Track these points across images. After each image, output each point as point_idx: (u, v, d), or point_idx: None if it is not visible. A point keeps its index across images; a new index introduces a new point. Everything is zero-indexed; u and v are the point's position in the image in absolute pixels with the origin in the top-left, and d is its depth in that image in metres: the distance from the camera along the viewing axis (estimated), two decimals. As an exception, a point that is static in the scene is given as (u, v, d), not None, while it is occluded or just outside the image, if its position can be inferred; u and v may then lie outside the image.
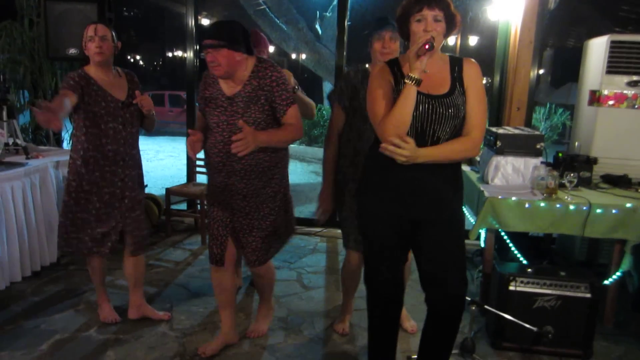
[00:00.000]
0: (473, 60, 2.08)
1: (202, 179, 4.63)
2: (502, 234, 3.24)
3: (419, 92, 1.96)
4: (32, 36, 4.24)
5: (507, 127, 3.53)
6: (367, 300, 2.30)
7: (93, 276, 3.00)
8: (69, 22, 3.73)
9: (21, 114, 4.30)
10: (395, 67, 2.07)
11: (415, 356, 2.39)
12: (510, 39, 4.14)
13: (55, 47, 3.84)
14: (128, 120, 2.80)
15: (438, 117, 1.98)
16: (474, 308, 2.71)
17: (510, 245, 3.29)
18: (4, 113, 3.58)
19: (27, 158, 3.45)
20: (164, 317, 3.06)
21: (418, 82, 1.92)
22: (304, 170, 9.08)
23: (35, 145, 4.08)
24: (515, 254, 3.26)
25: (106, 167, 2.77)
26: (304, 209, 6.01)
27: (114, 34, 2.77)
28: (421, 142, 1.99)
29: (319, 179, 8.34)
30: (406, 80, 1.91)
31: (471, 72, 2.05)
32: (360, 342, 2.89)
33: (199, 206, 4.64)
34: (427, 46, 1.87)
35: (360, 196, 2.22)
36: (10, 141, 3.62)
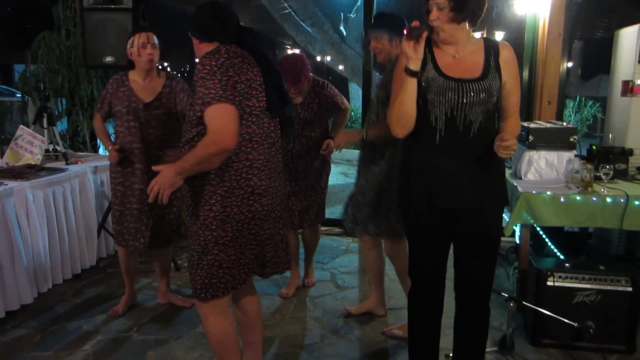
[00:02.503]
0: (507, 44, 2.06)
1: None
2: (537, 229, 3.20)
3: (447, 77, 1.97)
4: (69, 46, 4.37)
5: (539, 122, 3.49)
6: (408, 295, 2.28)
7: (121, 267, 3.17)
8: (105, 31, 3.83)
9: (59, 121, 4.42)
10: (426, 49, 2.02)
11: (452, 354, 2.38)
12: (539, 32, 4.09)
13: (92, 55, 3.96)
14: (148, 121, 2.92)
15: (469, 102, 1.96)
16: (511, 305, 2.69)
17: (546, 240, 3.25)
18: (45, 120, 3.70)
19: (67, 164, 3.56)
20: (186, 303, 3.24)
21: (413, 73, 1.93)
22: (333, 172, 9.06)
23: (73, 151, 4.20)
24: (552, 249, 3.22)
25: (135, 164, 2.95)
26: (335, 210, 6.02)
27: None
28: (452, 128, 1.99)
29: (348, 180, 8.37)
30: (403, 72, 1.94)
31: (508, 56, 2.04)
32: (399, 342, 2.88)
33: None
34: (404, 31, 1.93)
35: (401, 192, 2.21)
36: (51, 147, 3.73)
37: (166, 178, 1.95)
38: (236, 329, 2.24)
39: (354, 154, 9.78)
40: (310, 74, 3.21)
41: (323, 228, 4.80)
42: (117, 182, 2.99)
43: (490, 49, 2.03)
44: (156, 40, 2.94)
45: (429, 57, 2.02)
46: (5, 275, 2.86)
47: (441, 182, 2.03)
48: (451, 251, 2.19)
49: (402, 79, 1.97)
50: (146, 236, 2.98)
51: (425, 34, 1.92)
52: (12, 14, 19.27)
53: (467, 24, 1.98)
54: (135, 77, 2.96)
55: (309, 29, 9.67)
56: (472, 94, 1.96)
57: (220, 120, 1.88)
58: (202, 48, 2.04)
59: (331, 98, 3.28)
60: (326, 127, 3.38)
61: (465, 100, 1.96)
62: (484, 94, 1.97)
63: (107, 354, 2.72)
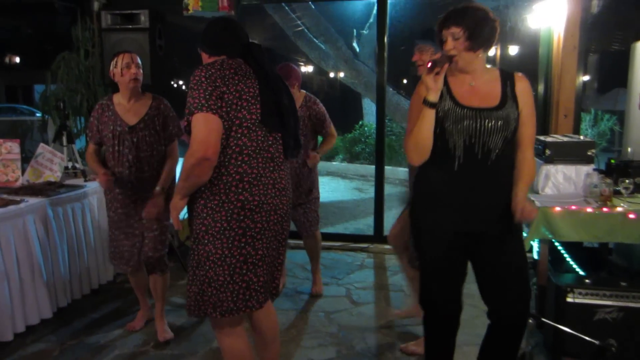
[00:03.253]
0: (522, 75, 2.10)
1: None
2: (556, 244, 3.16)
3: (464, 107, 2.00)
4: (88, 65, 4.45)
5: (555, 135, 3.47)
6: (423, 319, 2.27)
7: (131, 284, 3.19)
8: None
9: (78, 139, 4.49)
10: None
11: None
12: (554, 45, 4.09)
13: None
14: (135, 144, 2.87)
15: (487, 130, 1.98)
16: (530, 321, 2.64)
17: (565, 256, 3.20)
18: (64, 138, 3.76)
19: (85, 180, 3.62)
20: (161, 337, 3.02)
21: (432, 104, 1.98)
22: (346, 187, 9.11)
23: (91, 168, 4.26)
24: (571, 265, 3.17)
25: (117, 188, 2.91)
26: (349, 226, 6.02)
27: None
28: (471, 156, 2.00)
29: (362, 195, 8.36)
30: (422, 103, 1.99)
31: (525, 88, 2.06)
32: (414, 357, 2.86)
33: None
34: (429, 64, 1.96)
35: (413, 213, 2.22)
36: (70, 165, 3.80)
37: (172, 206, 2.04)
38: (252, 347, 2.21)
39: (368, 169, 9.80)
40: (303, 90, 3.49)
41: (337, 243, 4.83)
42: (107, 206, 3.01)
43: (507, 79, 2.06)
44: (139, 61, 2.93)
45: (445, 87, 2.04)
46: (25, 289, 2.90)
47: (459, 207, 2.05)
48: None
49: (420, 108, 2.01)
50: (134, 259, 2.98)
51: (446, 67, 1.97)
52: (33, 36, 19.73)
53: (483, 53, 2.02)
54: (119, 99, 2.93)
55: (322, 46, 9.74)
56: (491, 123, 1.98)
57: (200, 129, 1.88)
58: (207, 61, 2.07)
59: (321, 115, 3.50)
60: (316, 142, 3.59)
61: (483, 129, 1.98)
62: (502, 121, 1.99)
63: (124, 370, 2.73)
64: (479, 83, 2.04)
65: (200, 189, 1.97)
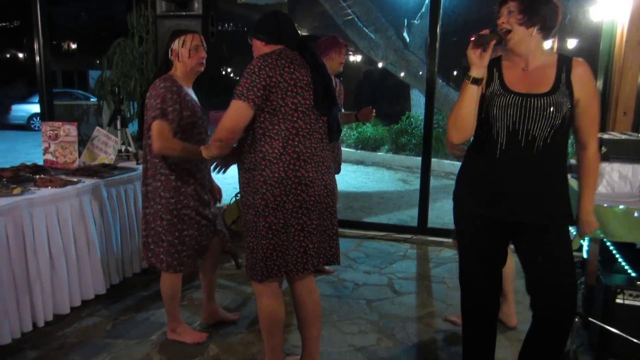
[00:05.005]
0: (582, 60, 1.99)
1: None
2: (607, 244, 3.07)
3: (511, 92, 1.96)
4: (141, 51, 4.60)
5: (613, 132, 3.35)
6: (461, 303, 2.26)
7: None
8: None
9: (131, 123, 4.65)
10: (495, 67, 2.04)
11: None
12: (616, 39, 3.92)
13: (164, 60, 4.13)
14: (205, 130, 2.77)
15: (534, 116, 1.93)
16: (576, 320, 2.59)
17: (617, 256, 3.11)
18: (118, 122, 3.91)
19: (138, 163, 3.74)
20: (226, 317, 3.06)
21: (474, 80, 1.95)
22: (391, 178, 9.06)
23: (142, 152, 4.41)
24: (622, 266, 3.07)
25: (194, 178, 2.70)
26: (393, 216, 6.00)
27: None
28: (514, 143, 1.97)
29: (407, 186, 8.31)
30: (465, 79, 1.97)
31: (584, 75, 1.96)
32: (455, 349, 2.85)
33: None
34: (472, 38, 1.91)
35: (456, 198, 2.21)
36: (123, 148, 3.94)
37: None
38: (287, 314, 2.42)
39: (414, 161, 9.71)
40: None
41: (381, 233, 4.84)
42: (175, 205, 2.66)
43: (563, 64, 1.97)
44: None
45: (497, 73, 2.01)
46: (82, 266, 3.04)
47: (498, 194, 2.03)
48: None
49: (465, 85, 1.98)
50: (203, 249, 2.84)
51: (492, 43, 1.92)
52: (89, 23, 20.42)
53: (539, 35, 1.94)
54: (182, 83, 2.65)
55: (372, 35, 9.67)
56: (536, 109, 1.93)
57: (230, 115, 2.14)
58: (265, 50, 2.24)
59: (338, 93, 3.58)
60: None
61: (528, 115, 1.93)
62: (552, 108, 1.92)
63: (171, 344, 2.84)
64: (532, 67, 1.97)
65: (260, 167, 2.18)
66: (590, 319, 2.68)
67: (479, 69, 1.94)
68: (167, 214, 2.64)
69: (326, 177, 2.26)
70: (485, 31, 1.93)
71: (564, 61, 1.98)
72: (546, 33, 1.95)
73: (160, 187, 2.64)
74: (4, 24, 22.70)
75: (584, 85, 1.95)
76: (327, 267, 3.89)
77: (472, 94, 1.96)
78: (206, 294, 3.03)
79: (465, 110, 1.97)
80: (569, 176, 3.60)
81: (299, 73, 2.18)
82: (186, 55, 2.64)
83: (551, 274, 2.03)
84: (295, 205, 2.18)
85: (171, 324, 2.88)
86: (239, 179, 2.30)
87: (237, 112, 2.13)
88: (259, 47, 2.28)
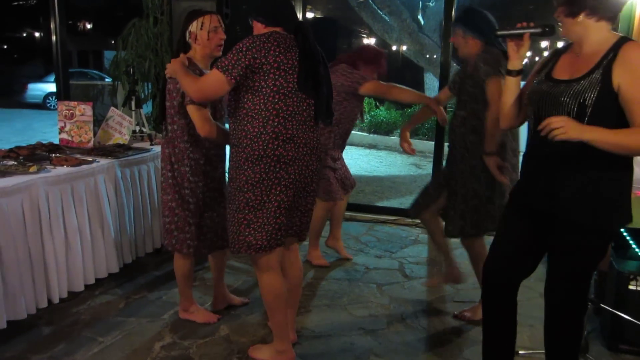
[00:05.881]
0: (636, 43, 1.85)
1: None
2: (622, 230, 3.04)
3: (549, 79, 1.96)
4: (156, 32, 4.59)
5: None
6: (482, 290, 2.25)
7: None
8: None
9: (145, 104, 4.67)
10: (558, 54, 2.04)
11: (524, 352, 2.32)
12: (634, 23, 3.83)
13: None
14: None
15: (553, 104, 1.89)
16: (588, 306, 2.58)
17: (631, 242, 3.08)
18: (133, 103, 3.92)
19: (152, 144, 3.76)
20: (235, 301, 3.11)
21: (512, 73, 2.02)
22: (403, 163, 9.02)
23: (156, 132, 4.43)
24: (636, 252, 3.04)
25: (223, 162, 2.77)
26: (405, 201, 5.99)
27: None
28: (536, 130, 1.93)
29: (419, 171, 8.28)
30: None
31: (628, 57, 1.79)
32: (466, 333, 2.86)
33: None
34: (504, 31, 2.01)
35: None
36: (137, 129, 3.96)
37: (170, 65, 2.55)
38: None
39: (426, 145, 9.66)
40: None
41: (392, 217, 4.84)
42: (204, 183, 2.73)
43: (615, 47, 1.83)
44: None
45: (554, 60, 2.02)
46: (96, 245, 3.08)
47: (526, 180, 2.07)
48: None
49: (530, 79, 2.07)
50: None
51: (527, 36, 1.95)
52: (104, 4, 20.42)
53: (590, 20, 1.86)
54: (201, 66, 2.63)
55: (386, 18, 9.56)
56: (552, 97, 1.90)
57: (209, 83, 2.30)
58: (262, 31, 2.32)
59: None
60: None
61: (549, 102, 1.91)
62: (565, 97, 1.86)
63: (183, 324, 2.88)
64: (584, 53, 1.90)
65: (243, 144, 2.29)
66: (602, 305, 2.67)
67: (513, 61, 2.01)
68: (194, 197, 2.69)
69: (307, 157, 2.34)
70: (523, 24, 1.96)
71: (617, 44, 1.84)
72: (599, 16, 1.85)
73: (188, 172, 2.66)
74: (21, 2, 22.81)
75: (627, 69, 1.78)
76: (346, 253, 3.91)
77: (510, 84, 2.06)
78: (215, 277, 3.04)
79: (505, 100, 2.09)
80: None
81: (284, 56, 2.24)
82: (205, 37, 2.60)
83: (555, 276, 2.01)
84: (274, 182, 2.26)
85: (183, 303, 2.92)
86: (229, 154, 2.45)
87: (217, 83, 2.25)
88: (259, 29, 2.36)
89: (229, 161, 2.41)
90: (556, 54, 2.05)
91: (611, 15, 1.87)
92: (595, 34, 1.87)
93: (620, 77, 1.79)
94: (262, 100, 2.25)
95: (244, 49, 2.21)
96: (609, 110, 1.82)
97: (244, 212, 2.30)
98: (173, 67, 2.49)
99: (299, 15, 4.78)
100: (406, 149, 3.25)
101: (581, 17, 1.86)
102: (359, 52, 3.62)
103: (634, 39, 1.92)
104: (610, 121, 1.80)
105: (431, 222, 3.10)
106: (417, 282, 3.54)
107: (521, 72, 2.04)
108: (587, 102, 1.83)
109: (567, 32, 1.92)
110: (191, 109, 2.49)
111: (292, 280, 2.60)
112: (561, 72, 1.96)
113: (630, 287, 2.59)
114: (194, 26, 2.61)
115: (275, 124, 2.26)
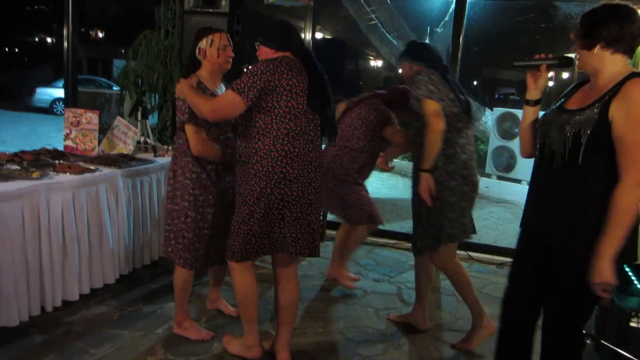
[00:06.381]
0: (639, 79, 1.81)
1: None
2: (623, 265, 3.01)
3: (557, 109, 1.99)
4: (167, 45, 4.62)
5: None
6: (498, 319, 2.25)
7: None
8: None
9: (151, 115, 4.68)
10: (572, 90, 2.07)
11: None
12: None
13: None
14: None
15: (553, 133, 1.94)
16: (588, 342, 2.54)
17: (633, 278, 3.04)
18: (139, 114, 3.92)
19: (155, 156, 3.76)
20: (232, 313, 3.16)
21: (529, 102, 2.08)
22: (405, 186, 9.00)
23: (160, 144, 4.43)
24: (638, 288, 3.01)
25: (224, 178, 2.78)
26: (405, 225, 5.96)
27: None
28: (542, 158, 2.00)
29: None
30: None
31: (628, 92, 1.79)
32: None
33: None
34: (522, 62, 2.07)
35: None
36: (142, 139, 3.96)
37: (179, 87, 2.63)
38: (256, 292, 2.61)
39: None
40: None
41: (392, 241, 4.81)
42: (201, 203, 2.75)
43: (621, 82, 1.82)
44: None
45: (569, 94, 2.03)
46: (93, 254, 3.06)
47: (531, 208, 2.07)
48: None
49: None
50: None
51: (544, 67, 2.01)
52: (117, 14, 20.66)
53: (605, 52, 1.86)
54: (208, 84, 2.70)
55: (394, 41, 9.64)
56: (556, 125, 1.93)
57: (224, 103, 2.40)
58: (271, 56, 2.44)
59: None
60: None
61: (551, 131, 1.94)
62: (566, 125, 1.88)
63: (176, 340, 2.84)
64: (598, 85, 1.90)
65: (252, 161, 2.41)
66: (602, 341, 2.62)
67: (531, 92, 2.07)
68: (193, 211, 2.71)
69: (312, 175, 2.45)
70: (541, 55, 2.02)
71: (625, 79, 1.82)
72: (614, 49, 1.85)
73: (189, 185, 2.70)
74: (35, 7, 23.09)
75: (623, 104, 1.78)
76: (352, 275, 3.86)
77: (527, 114, 2.11)
78: (212, 285, 3.21)
79: (522, 129, 2.14)
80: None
81: (296, 79, 2.37)
82: (214, 54, 2.68)
83: (552, 312, 2.01)
84: (277, 197, 2.38)
85: (179, 316, 2.89)
86: (236, 170, 2.55)
87: (232, 104, 2.36)
88: (267, 53, 2.47)
89: (238, 177, 2.52)
90: (577, 86, 2.06)
91: (627, 49, 1.86)
92: (610, 67, 1.87)
93: (615, 111, 1.79)
94: (273, 120, 2.37)
95: (259, 72, 2.33)
96: (603, 142, 1.82)
97: (250, 224, 2.42)
98: (182, 89, 2.56)
99: (309, 36, 4.82)
100: (379, 163, 3.61)
101: (597, 49, 1.87)
102: (403, 93, 3.43)
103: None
104: (603, 154, 1.82)
105: (423, 261, 3.13)
106: (415, 308, 3.49)
107: (539, 102, 2.09)
108: (581, 131, 1.84)
109: (584, 64, 1.93)
110: (189, 129, 2.61)
111: (288, 297, 2.62)
112: (573, 102, 1.97)
113: (632, 324, 2.55)
114: (203, 43, 2.69)
115: (285, 142, 2.37)
